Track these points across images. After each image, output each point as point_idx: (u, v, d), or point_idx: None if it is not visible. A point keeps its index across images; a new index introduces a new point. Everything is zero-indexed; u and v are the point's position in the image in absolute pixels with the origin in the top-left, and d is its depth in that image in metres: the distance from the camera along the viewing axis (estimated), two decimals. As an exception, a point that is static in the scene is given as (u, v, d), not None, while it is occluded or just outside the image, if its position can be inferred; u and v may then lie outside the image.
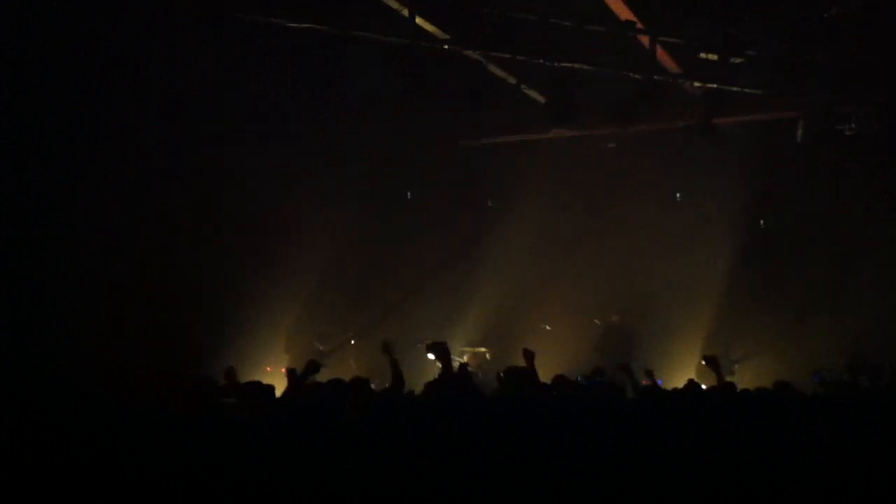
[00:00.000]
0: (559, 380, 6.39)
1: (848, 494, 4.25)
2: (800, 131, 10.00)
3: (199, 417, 4.38)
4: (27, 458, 3.71)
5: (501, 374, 6.49)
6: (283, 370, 11.69)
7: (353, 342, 12.50)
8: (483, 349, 13.13)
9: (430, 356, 6.52)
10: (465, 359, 12.98)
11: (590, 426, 4.70)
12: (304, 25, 8.31)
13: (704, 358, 7.73)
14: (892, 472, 4.31)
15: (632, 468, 4.34)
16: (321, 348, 11.66)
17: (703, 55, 9.44)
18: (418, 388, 6.17)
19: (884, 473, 4.31)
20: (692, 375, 9.21)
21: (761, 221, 13.65)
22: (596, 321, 13.25)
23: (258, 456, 4.06)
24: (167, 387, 5.37)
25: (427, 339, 9.12)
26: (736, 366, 11.89)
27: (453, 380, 6.12)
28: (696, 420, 4.92)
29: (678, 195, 14.12)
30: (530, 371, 6.54)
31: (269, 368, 11.65)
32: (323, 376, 6.01)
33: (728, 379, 11.55)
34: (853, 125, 9.91)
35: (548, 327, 13.23)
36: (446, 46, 9.12)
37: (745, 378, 10.80)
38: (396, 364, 6.34)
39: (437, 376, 6.52)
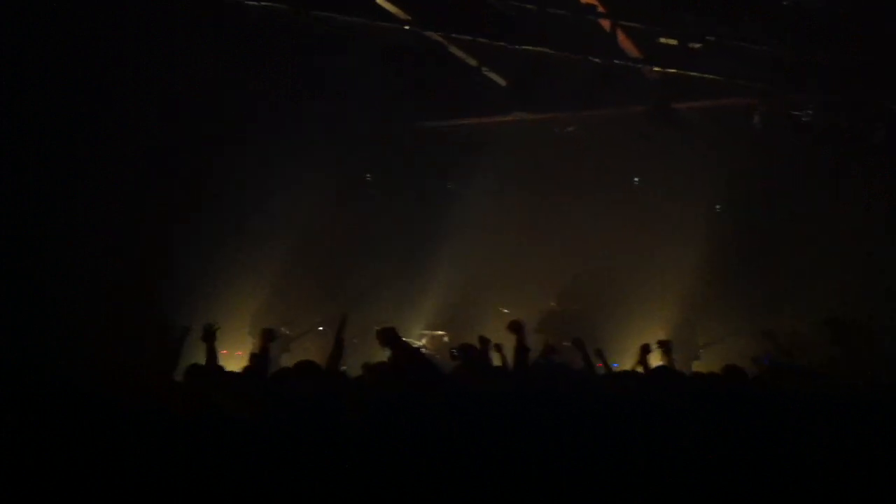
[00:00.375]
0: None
1: (846, 494, 4.26)
2: (756, 117, 10.10)
3: (198, 417, 4.30)
4: (27, 458, 3.68)
5: (454, 352, 6.53)
6: (239, 353, 11.67)
7: (321, 328, 12.37)
8: (441, 332, 13.13)
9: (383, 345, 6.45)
10: (424, 342, 12.98)
11: (587, 422, 4.68)
12: (262, 4, 8.18)
13: (659, 343, 7.79)
14: (891, 471, 4.32)
15: (623, 464, 4.34)
16: (287, 333, 11.57)
17: (662, 40, 9.50)
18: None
19: (883, 473, 4.32)
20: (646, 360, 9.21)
21: (717, 206, 13.79)
22: (552, 304, 13.31)
23: (257, 456, 4.02)
24: (161, 383, 5.33)
25: (383, 323, 9.10)
26: (701, 350, 12.03)
27: (409, 366, 6.10)
28: (679, 412, 4.92)
29: (636, 180, 14.21)
30: (483, 350, 6.65)
31: (224, 352, 11.53)
32: (289, 361, 6.02)
33: (694, 364, 11.81)
34: (809, 112, 10.07)
35: (506, 310, 13.25)
36: (407, 27, 9.04)
37: (712, 364, 10.93)
38: (340, 338, 6.49)
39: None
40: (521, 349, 6.45)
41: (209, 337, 6.54)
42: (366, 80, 9.72)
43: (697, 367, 11.28)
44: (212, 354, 6.42)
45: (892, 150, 10.01)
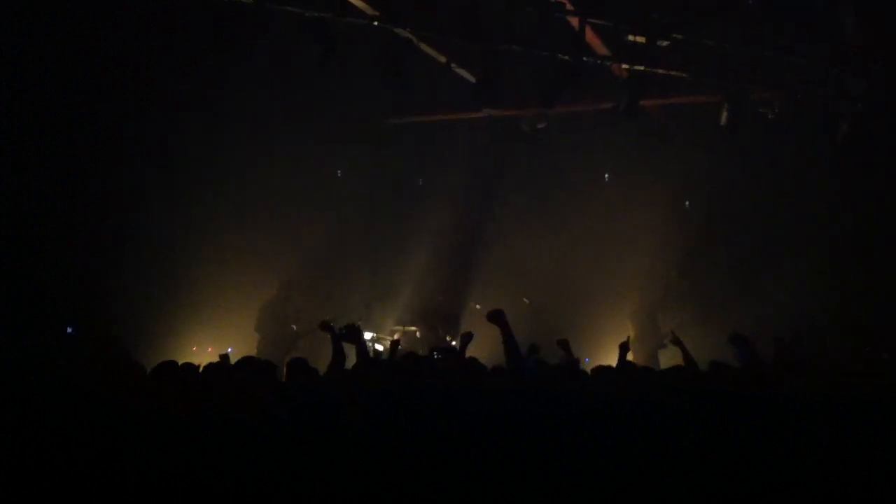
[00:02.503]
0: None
1: (846, 494, 4.27)
2: (724, 114, 10.16)
3: (198, 417, 4.28)
4: (27, 458, 3.68)
5: (436, 353, 6.48)
6: (210, 349, 11.66)
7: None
8: (413, 328, 13.14)
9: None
10: (397, 337, 12.98)
11: (588, 423, 4.68)
12: (228, -1, 8.14)
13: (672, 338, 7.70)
14: (891, 471, 4.34)
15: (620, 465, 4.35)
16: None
17: (630, 37, 9.54)
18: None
19: (883, 473, 4.33)
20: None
21: (687, 203, 13.91)
22: (525, 300, 13.36)
23: (258, 456, 4.01)
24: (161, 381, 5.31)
25: (356, 319, 9.12)
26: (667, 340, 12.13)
27: (378, 363, 6.12)
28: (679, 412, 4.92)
29: (606, 176, 14.29)
30: (460, 349, 6.57)
31: (194, 348, 11.51)
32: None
33: (660, 352, 11.90)
34: (776, 109, 10.15)
35: (478, 306, 13.29)
36: (376, 23, 9.02)
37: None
38: (337, 341, 6.32)
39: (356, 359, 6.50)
40: (510, 341, 5.89)
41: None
42: (335, 77, 9.68)
43: (664, 358, 11.47)
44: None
45: (856, 147, 10.12)
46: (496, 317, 5.96)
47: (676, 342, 7.31)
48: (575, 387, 5.60)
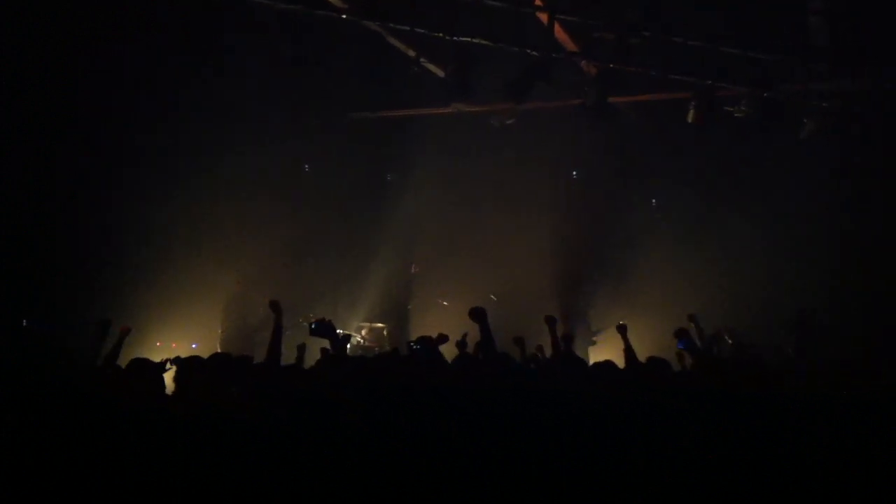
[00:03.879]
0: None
1: (846, 494, 4.28)
2: (691, 112, 10.23)
3: (198, 417, 4.20)
4: (27, 458, 3.66)
5: (412, 343, 6.40)
6: (174, 345, 11.53)
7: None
8: (381, 324, 13.09)
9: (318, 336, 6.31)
10: (364, 333, 12.93)
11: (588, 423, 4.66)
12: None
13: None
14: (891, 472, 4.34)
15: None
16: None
17: (600, 34, 9.58)
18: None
19: (883, 473, 4.34)
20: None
21: (653, 200, 14.02)
22: (492, 297, 13.35)
23: (258, 455, 3.98)
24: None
25: (320, 315, 9.04)
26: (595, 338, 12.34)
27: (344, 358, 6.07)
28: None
29: (574, 173, 14.35)
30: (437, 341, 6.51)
31: (159, 343, 11.37)
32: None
33: (590, 349, 12.05)
34: (743, 108, 10.24)
35: (445, 303, 13.27)
36: (345, 16, 8.95)
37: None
38: (280, 320, 6.12)
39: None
40: (488, 339, 5.88)
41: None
42: (303, 71, 9.59)
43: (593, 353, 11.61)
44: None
45: (820, 144, 10.26)
46: (478, 314, 5.94)
47: (622, 332, 7.30)
48: (575, 386, 5.55)
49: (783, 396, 5.29)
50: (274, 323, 6.08)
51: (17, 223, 9.18)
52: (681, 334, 7.00)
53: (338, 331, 6.98)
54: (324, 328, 6.19)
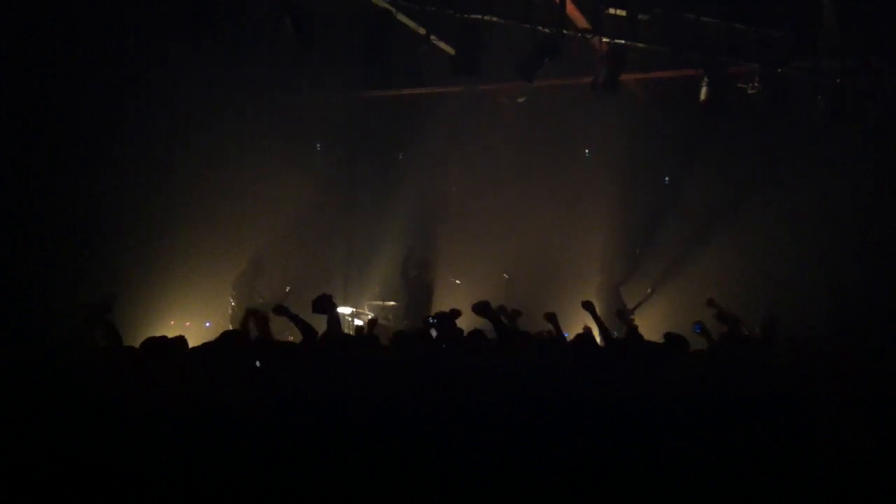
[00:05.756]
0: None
1: (846, 494, 4.27)
2: (703, 89, 10.13)
3: (199, 417, 4.21)
4: (27, 458, 3.67)
5: (431, 319, 6.38)
6: (187, 324, 11.59)
7: (287, 289, 12.23)
8: (393, 303, 13.10)
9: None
10: (375, 313, 12.94)
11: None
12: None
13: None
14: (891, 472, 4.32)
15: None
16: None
17: (610, 10, 9.50)
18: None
19: (883, 473, 4.33)
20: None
21: (666, 179, 13.94)
22: (505, 275, 13.34)
23: (258, 455, 4.00)
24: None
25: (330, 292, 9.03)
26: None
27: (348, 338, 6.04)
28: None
29: (587, 151, 14.28)
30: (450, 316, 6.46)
31: (172, 322, 11.43)
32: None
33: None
34: (756, 84, 10.15)
35: (457, 281, 13.27)
36: (354, -6, 8.92)
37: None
38: (298, 319, 6.00)
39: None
40: (500, 328, 6.08)
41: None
42: (313, 49, 9.55)
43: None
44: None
45: (834, 123, 10.14)
46: (482, 309, 6.18)
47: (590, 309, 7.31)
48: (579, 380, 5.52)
49: (783, 396, 5.25)
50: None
51: (16, 202, 9.17)
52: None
53: (344, 308, 6.94)
54: (322, 304, 6.10)
